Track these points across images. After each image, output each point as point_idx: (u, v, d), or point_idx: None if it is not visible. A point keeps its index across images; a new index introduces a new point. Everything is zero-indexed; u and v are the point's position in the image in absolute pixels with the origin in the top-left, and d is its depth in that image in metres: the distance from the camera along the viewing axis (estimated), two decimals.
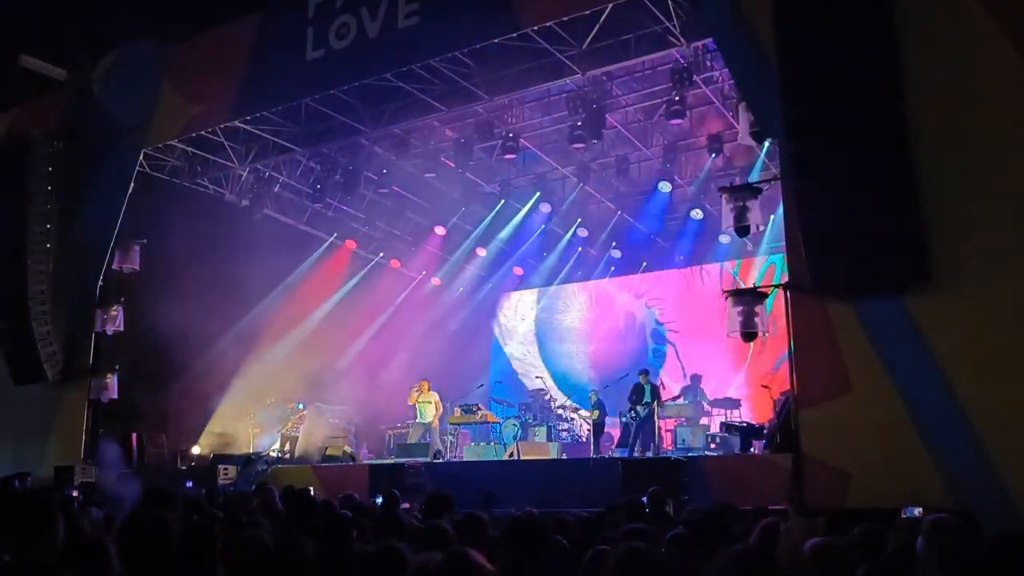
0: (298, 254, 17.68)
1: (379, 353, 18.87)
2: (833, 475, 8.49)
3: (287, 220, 17.86)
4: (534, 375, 19.18)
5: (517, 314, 22.21)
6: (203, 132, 14.77)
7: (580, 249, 19.97)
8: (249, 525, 5.01)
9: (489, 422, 15.40)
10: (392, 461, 13.94)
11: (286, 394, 16.39)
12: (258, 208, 16.96)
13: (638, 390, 14.08)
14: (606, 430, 15.53)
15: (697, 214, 17.49)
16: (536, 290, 21.88)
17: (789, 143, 9.10)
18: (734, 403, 15.06)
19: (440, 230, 19.24)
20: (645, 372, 14.28)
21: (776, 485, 8.91)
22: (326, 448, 15.22)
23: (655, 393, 13.91)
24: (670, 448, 14.59)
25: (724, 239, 17.90)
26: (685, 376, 17.51)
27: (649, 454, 13.34)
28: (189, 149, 15.89)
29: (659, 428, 14.34)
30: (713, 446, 13.48)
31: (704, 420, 14.94)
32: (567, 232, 19.45)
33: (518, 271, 21.36)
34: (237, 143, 15.84)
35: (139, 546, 3.82)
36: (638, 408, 13.84)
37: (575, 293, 21.35)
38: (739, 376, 17.80)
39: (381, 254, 19.86)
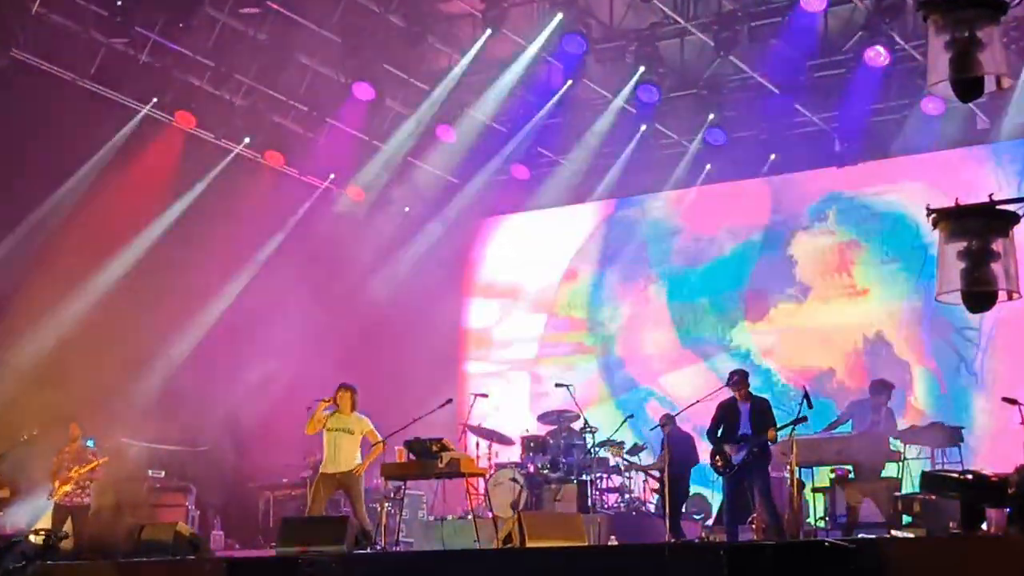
0: (86, 138, 17.56)
1: (247, 333, 18.96)
2: None
3: (58, 72, 17.64)
4: (553, 382, 19.20)
5: (519, 258, 22.39)
6: None
7: (643, 128, 19.94)
8: None
9: (463, 474, 15.39)
10: (274, 553, 13.94)
11: (62, 421, 16.39)
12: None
13: (728, 412, 14.03)
14: (694, 490, 15.79)
15: (877, 56, 17.35)
16: (557, 210, 21.90)
17: None
18: (950, 434, 15.07)
19: (365, 92, 19.07)
20: (738, 377, 14.17)
21: None
22: (141, 527, 15.22)
23: (763, 418, 13.94)
24: (822, 524, 14.66)
25: (931, 105, 17.81)
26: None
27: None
28: None
29: (795, 484, 14.34)
30: (910, 517, 13.46)
31: (889, 467, 14.96)
32: (616, 95, 19.35)
33: (521, 172, 21.35)
34: None
35: None
36: (728, 450, 13.80)
37: (635, 217, 21.41)
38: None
39: (247, 139, 19.84)
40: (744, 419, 13.85)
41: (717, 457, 13.99)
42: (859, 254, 19.93)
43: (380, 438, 15.00)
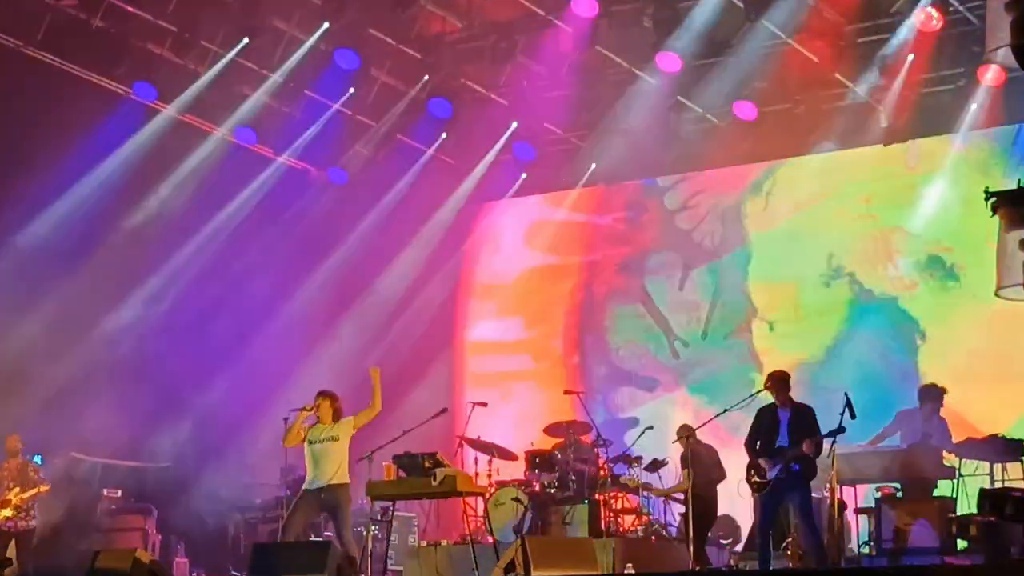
0: (31, 113, 17.48)
1: (217, 334, 19.03)
2: None
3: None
4: (561, 389, 19.18)
5: (523, 250, 22.59)
6: None
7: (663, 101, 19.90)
8: None
9: (460, 493, 15.35)
10: None
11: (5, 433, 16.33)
12: None
13: (766, 420, 14.00)
14: (721, 511, 15.78)
15: (928, 19, 17.36)
16: (565, 194, 22.14)
17: None
18: (1011, 447, 14.94)
19: (348, 60, 19.03)
20: (773, 381, 14.07)
21: None
22: (95, 554, 15.20)
23: (803, 427, 13.79)
24: (866, 549, 14.69)
25: (989, 75, 17.84)
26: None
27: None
28: None
29: (835, 504, 14.36)
30: (966, 542, 13.44)
31: (943, 485, 14.95)
32: (633, 64, 19.30)
33: (526, 152, 21.43)
34: None
35: None
36: (762, 463, 13.76)
37: (652, 202, 21.55)
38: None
39: (215, 114, 19.83)
40: (783, 428, 13.79)
41: (752, 471, 13.93)
42: (904, 242, 19.92)
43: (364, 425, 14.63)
